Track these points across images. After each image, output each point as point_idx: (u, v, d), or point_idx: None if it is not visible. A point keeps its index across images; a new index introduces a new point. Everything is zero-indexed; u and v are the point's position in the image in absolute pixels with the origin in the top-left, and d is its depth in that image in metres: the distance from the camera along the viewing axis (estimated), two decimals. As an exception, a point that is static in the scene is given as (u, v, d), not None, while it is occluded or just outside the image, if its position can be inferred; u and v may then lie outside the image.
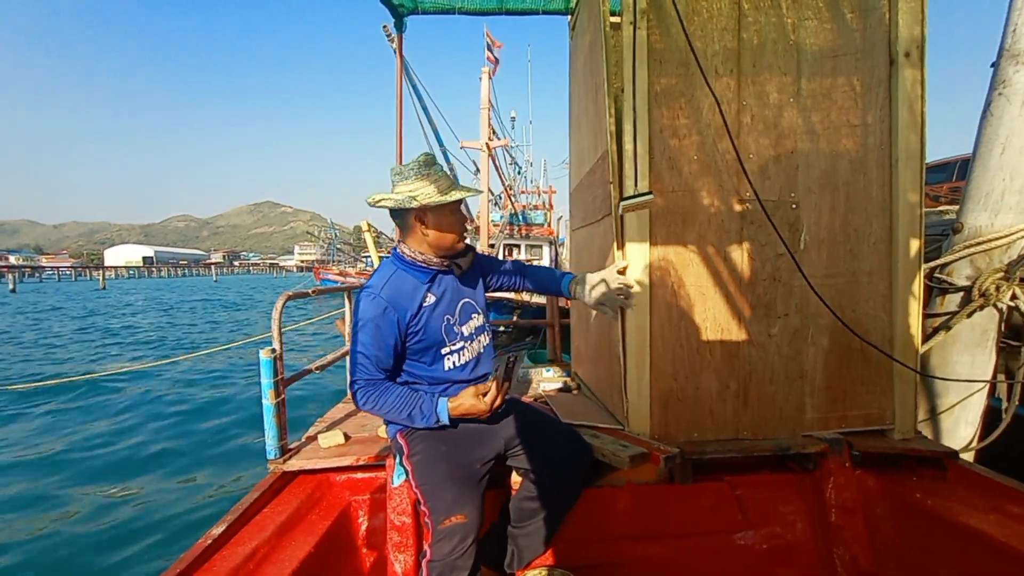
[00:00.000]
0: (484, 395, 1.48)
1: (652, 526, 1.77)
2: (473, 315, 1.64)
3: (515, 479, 1.77)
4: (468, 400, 1.47)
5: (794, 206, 1.82)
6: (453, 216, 1.54)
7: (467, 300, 1.63)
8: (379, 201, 1.49)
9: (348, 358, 1.54)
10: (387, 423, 1.64)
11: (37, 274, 75.19)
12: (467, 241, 1.63)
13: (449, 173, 1.57)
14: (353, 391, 1.50)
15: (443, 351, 1.55)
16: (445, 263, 1.57)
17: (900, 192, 1.79)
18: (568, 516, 1.65)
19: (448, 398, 1.49)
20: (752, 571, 1.76)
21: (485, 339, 1.67)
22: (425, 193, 1.45)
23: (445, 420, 1.47)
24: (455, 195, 1.49)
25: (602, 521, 1.76)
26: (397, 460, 1.64)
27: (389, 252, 1.65)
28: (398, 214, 1.52)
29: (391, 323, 1.46)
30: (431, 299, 1.53)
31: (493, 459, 1.57)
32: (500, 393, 1.49)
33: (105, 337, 14.25)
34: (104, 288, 42.56)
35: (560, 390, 2.54)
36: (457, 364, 1.58)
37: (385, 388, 1.48)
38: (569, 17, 2.86)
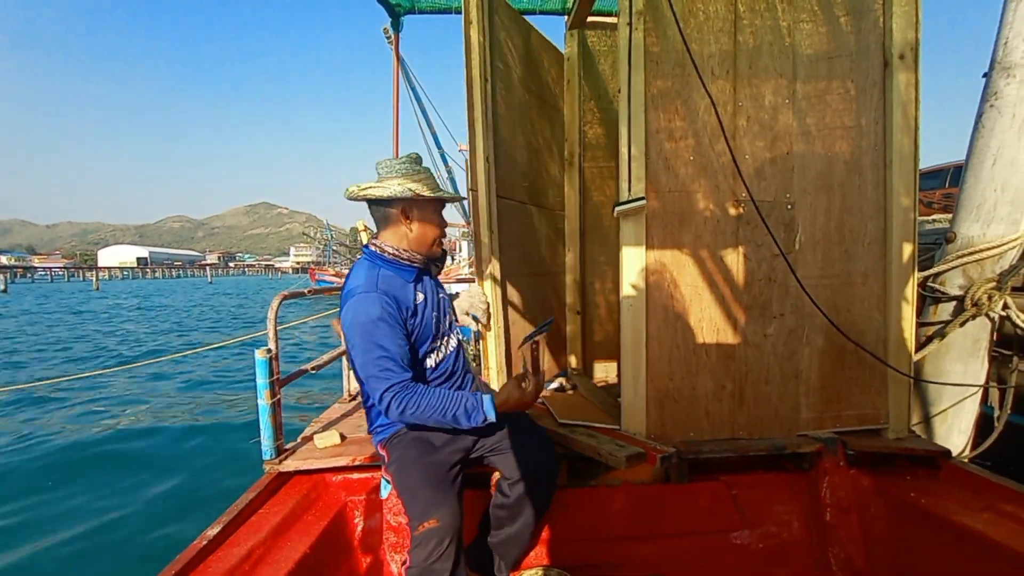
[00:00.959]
0: (523, 384, 1.39)
1: (648, 526, 1.77)
2: (448, 312, 1.64)
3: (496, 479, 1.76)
4: (515, 393, 1.37)
5: (789, 207, 1.83)
6: (437, 216, 1.53)
7: (443, 297, 1.63)
8: (366, 189, 1.43)
9: (354, 371, 1.44)
10: (372, 432, 1.59)
11: (29, 274, 74.65)
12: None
13: (445, 175, 1.57)
14: (385, 403, 1.35)
15: (426, 350, 1.52)
16: (425, 262, 1.55)
17: (894, 194, 1.80)
18: (564, 516, 1.65)
19: (493, 394, 1.42)
20: (748, 570, 1.76)
21: (455, 337, 1.65)
22: (418, 188, 1.44)
23: (492, 417, 1.37)
24: (445, 194, 1.48)
25: (598, 521, 1.76)
26: (383, 471, 1.61)
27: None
28: (382, 206, 1.47)
29: (396, 318, 1.38)
30: (421, 297, 1.50)
31: (461, 458, 1.51)
32: (540, 382, 1.42)
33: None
34: (98, 289, 42.23)
35: (556, 390, 2.54)
36: (437, 362, 1.55)
37: (422, 391, 1.37)
38: (566, 17, 2.87)
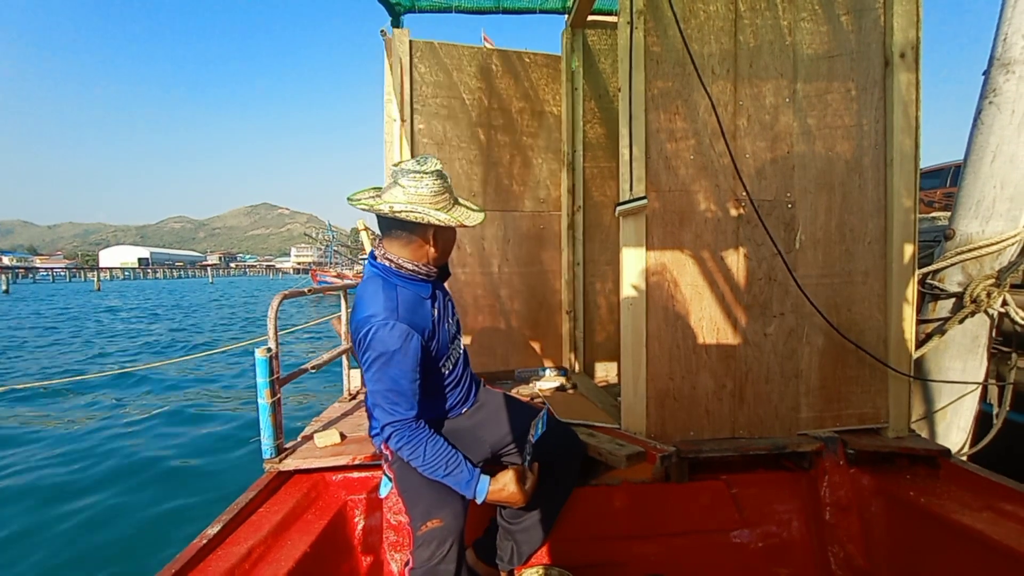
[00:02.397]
0: (523, 481, 1.40)
1: (648, 525, 1.77)
2: (455, 314, 1.61)
3: None
4: (512, 487, 1.38)
5: (790, 206, 1.83)
6: (455, 232, 1.48)
7: (449, 300, 1.60)
8: (399, 213, 1.29)
9: (367, 397, 1.39)
10: (374, 435, 1.57)
11: (31, 275, 74.82)
12: None
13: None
14: (386, 434, 1.36)
15: (443, 360, 1.49)
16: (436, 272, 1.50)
17: (894, 194, 1.80)
18: (565, 515, 1.65)
19: (491, 479, 1.38)
20: (748, 569, 1.76)
21: (460, 339, 1.62)
22: (445, 206, 1.36)
23: (479, 501, 1.37)
24: (479, 217, 1.41)
25: (599, 520, 1.76)
26: (384, 469, 1.61)
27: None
28: (407, 227, 1.36)
29: (416, 349, 1.32)
30: (436, 312, 1.46)
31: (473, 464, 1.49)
32: (535, 476, 1.44)
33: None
34: (99, 289, 42.26)
35: (557, 389, 2.54)
36: (450, 368, 1.53)
37: (424, 437, 1.35)
38: (566, 16, 2.87)
